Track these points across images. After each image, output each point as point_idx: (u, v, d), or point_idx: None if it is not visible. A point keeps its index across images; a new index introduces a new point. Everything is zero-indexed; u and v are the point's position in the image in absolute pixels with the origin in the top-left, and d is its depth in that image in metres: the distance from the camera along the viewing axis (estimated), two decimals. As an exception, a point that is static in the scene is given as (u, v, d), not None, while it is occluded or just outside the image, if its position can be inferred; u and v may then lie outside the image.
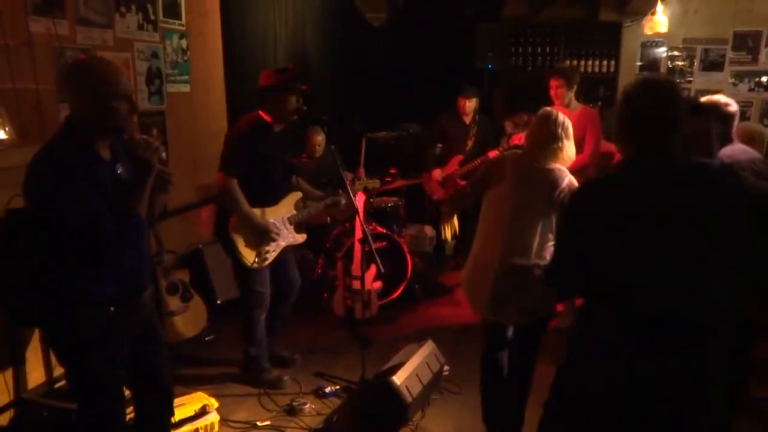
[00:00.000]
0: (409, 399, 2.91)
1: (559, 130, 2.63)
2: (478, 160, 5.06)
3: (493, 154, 4.93)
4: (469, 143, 5.23)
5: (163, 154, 4.05)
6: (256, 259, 3.31)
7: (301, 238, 3.55)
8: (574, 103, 4.22)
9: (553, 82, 4.13)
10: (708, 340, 1.73)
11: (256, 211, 3.28)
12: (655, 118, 1.76)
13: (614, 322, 1.79)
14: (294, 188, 3.56)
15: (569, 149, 2.67)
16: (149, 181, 2.06)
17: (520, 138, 4.96)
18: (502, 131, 5.52)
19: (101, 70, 2.03)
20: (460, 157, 5.18)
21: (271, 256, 3.38)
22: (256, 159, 3.24)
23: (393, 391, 2.87)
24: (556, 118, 2.66)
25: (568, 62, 6.31)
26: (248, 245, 3.29)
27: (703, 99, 3.14)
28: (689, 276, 1.72)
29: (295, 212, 3.50)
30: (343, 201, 3.60)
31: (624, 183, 1.79)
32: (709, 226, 1.70)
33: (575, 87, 4.23)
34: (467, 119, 5.23)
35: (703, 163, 1.82)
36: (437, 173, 5.22)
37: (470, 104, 5.16)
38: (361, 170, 4.89)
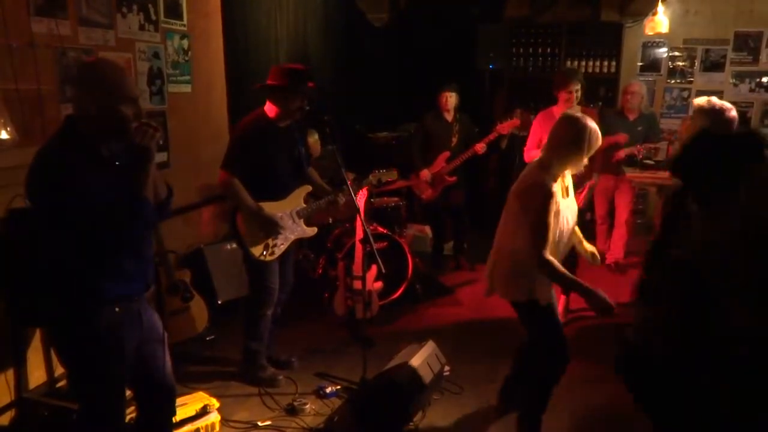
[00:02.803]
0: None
1: (586, 138, 2.56)
2: (466, 154, 5.13)
3: (479, 146, 5.07)
4: (454, 140, 5.28)
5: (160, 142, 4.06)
6: (264, 252, 3.34)
7: (311, 231, 3.57)
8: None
9: (574, 86, 4.14)
10: None
11: (262, 205, 3.31)
12: None
13: None
14: (306, 182, 3.57)
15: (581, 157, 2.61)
16: (150, 167, 2.07)
17: (504, 127, 5.02)
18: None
19: (111, 74, 2.04)
20: (447, 153, 5.24)
21: (279, 250, 3.40)
22: (258, 156, 3.27)
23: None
24: (589, 125, 2.58)
25: (569, 63, 6.33)
26: (256, 238, 3.32)
27: (703, 102, 3.14)
28: None
29: (303, 206, 3.51)
30: (342, 200, 3.59)
31: None
32: None
33: None
34: (449, 116, 5.29)
35: None
36: (425, 173, 5.26)
37: (452, 99, 5.23)
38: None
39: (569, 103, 4.17)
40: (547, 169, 2.60)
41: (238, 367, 3.62)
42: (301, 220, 3.50)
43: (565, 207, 2.66)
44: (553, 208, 2.54)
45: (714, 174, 1.95)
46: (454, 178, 5.28)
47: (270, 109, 3.33)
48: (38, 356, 3.12)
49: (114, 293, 2.10)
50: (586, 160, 2.64)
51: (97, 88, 2.00)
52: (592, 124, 2.58)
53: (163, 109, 4.13)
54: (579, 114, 2.67)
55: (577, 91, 4.15)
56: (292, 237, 3.46)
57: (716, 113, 3.03)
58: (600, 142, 2.60)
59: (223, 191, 3.34)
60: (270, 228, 3.32)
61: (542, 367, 2.81)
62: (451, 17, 6.78)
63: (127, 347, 2.17)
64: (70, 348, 2.14)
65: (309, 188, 3.56)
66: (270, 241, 3.36)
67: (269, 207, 3.33)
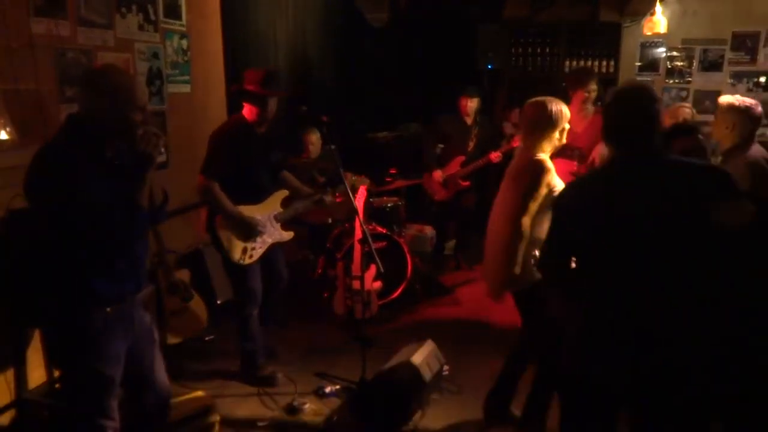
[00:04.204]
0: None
1: (552, 116, 2.77)
2: (480, 161, 5.07)
3: (495, 155, 4.96)
4: (471, 144, 5.23)
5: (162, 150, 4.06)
6: (243, 256, 3.36)
7: (287, 235, 3.59)
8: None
9: (594, 85, 4.12)
10: (674, 332, 1.85)
11: (241, 209, 3.32)
12: (627, 122, 1.94)
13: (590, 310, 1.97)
14: (281, 186, 3.60)
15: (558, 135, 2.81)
16: (150, 173, 2.08)
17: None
18: (501, 133, 5.50)
19: (122, 81, 2.06)
20: (462, 157, 5.18)
21: (257, 253, 3.42)
22: (240, 159, 3.30)
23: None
24: (551, 105, 2.78)
25: (568, 63, 6.34)
26: (234, 242, 3.35)
27: (732, 99, 3.20)
28: (652, 273, 1.84)
29: (281, 210, 3.53)
30: (328, 199, 3.63)
31: (600, 180, 2.02)
32: (682, 220, 1.81)
33: None
34: (469, 120, 5.23)
35: (679, 160, 1.95)
36: (438, 174, 5.22)
37: (472, 104, 5.17)
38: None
39: (586, 103, 4.10)
40: (535, 151, 2.79)
41: (238, 367, 3.63)
42: (279, 224, 3.52)
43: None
44: (546, 180, 2.67)
45: None
46: (467, 183, 5.23)
47: (248, 112, 3.36)
48: (38, 356, 3.12)
49: (106, 294, 2.11)
50: (558, 136, 2.80)
51: (108, 95, 2.01)
52: (553, 103, 2.79)
53: (162, 109, 4.14)
54: (541, 98, 2.83)
55: (594, 90, 4.13)
56: (270, 241, 3.48)
57: (747, 110, 3.14)
58: (567, 116, 2.80)
59: (202, 196, 3.33)
60: (249, 231, 3.35)
61: (542, 353, 2.91)
62: (451, 17, 6.78)
63: (119, 348, 2.17)
64: (63, 348, 2.15)
65: (286, 193, 3.59)
66: (248, 245, 3.38)
67: (247, 211, 3.36)
